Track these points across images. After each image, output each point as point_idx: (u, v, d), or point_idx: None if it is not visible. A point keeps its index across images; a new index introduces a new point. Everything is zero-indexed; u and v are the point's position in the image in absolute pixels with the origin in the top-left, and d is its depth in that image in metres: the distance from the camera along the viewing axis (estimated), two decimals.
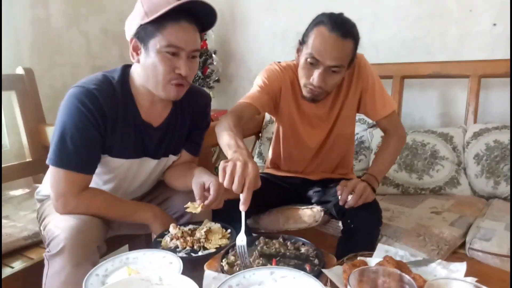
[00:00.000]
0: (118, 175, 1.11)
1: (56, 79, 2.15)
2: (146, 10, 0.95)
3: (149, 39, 0.96)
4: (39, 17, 2.06)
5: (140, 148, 1.10)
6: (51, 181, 1.01)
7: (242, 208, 0.82)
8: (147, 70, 0.99)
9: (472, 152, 1.66)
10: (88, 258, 0.94)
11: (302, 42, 1.21)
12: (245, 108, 1.22)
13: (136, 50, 1.01)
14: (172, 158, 1.19)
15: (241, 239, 0.83)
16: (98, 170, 1.06)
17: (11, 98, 1.71)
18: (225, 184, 0.84)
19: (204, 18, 1.00)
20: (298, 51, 1.24)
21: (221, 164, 0.86)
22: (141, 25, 0.96)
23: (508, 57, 1.75)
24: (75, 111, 0.97)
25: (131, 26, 1.00)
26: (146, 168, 1.15)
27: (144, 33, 0.97)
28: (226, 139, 1.00)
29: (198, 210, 0.98)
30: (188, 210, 0.99)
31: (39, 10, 2.05)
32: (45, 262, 0.96)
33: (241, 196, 0.82)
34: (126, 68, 1.08)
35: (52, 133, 1.01)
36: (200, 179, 1.02)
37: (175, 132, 1.15)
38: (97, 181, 1.11)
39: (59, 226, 0.96)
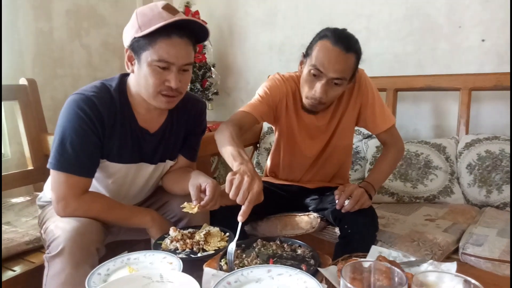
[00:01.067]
0: (117, 180, 1.14)
1: (57, 90, 2.20)
2: (140, 24, 0.98)
3: (142, 52, 0.99)
4: (42, 30, 2.11)
5: (137, 153, 1.13)
6: (52, 184, 1.04)
7: (240, 219, 0.86)
8: (139, 80, 1.03)
9: (464, 162, 1.71)
10: (87, 259, 0.95)
11: (306, 54, 1.25)
12: (244, 117, 1.26)
13: (130, 60, 1.04)
14: (169, 163, 1.22)
15: (232, 247, 0.87)
16: (97, 175, 1.09)
17: (13, 108, 1.74)
18: (231, 196, 0.87)
19: (197, 32, 1.03)
20: (301, 63, 1.28)
21: (229, 175, 0.90)
22: (134, 37, 0.99)
23: (496, 71, 1.82)
24: (74, 116, 1.01)
25: (126, 37, 1.03)
26: (144, 173, 1.18)
27: (137, 46, 1.00)
28: (229, 149, 1.04)
29: (195, 210, 1.00)
30: (184, 210, 1.02)
31: (42, 24, 2.11)
32: (45, 264, 0.97)
33: (242, 208, 0.86)
34: (124, 76, 1.12)
35: (52, 140, 1.04)
36: (196, 180, 1.05)
37: (171, 138, 1.19)
38: (97, 186, 1.14)
39: (60, 228, 0.98)
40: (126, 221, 1.10)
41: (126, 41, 1.03)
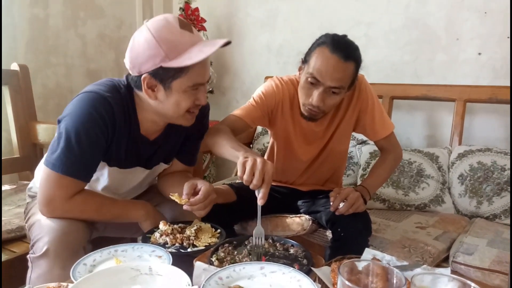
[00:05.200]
0: (110, 183, 1.09)
1: (49, 79, 2.15)
2: (167, 52, 0.90)
3: (172, 80, 0.93)
4: (38, 16, 2.07)
5: (134, 158, 1.08)
6: (42, 182, 0.96)
7: (261, 202, 0.86)
8: (167, 106, 0.98)
9: (456, 172, 1.71)
10: (73, 259, 0.88)
11: (304, 61, 1.21)
12: (236, 122, 1.24)
13: (152, 87, 0.96)
14: (163, 166, 1.18)
15: (259, 232, 0.87)
16: (95, 179, 1.05)
17: (3, 93, 1.69)
18: (245, 178, 0.86)
19: None
20: (300, 69, 1.24)
21: (240, 159, 0.88)
22: (161, 66, 0.91)
23: (491, 84, 1.84)
24: (87, 117, 0.93)
25: (143, 64, 0.93)
26: (138, 177, 1.13)
27: (164, 74, 0.93)
28: (228, 144, 1.03)
29: (182, 202, 0.97)
30: (171, 197, 0.98)
31: (38, 10, 2.07)
32: (29, 264, 0.93)
33: (259, 192, 0.86)
34: (129, 80, 1.03)
35: (55, 133, 0.97)
36: (194, 181, 1.01)
37: (169, 144, 1.14)
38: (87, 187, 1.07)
39: (44, 227, 0.93)
40: (119, 218, 1.05)
41: (144, 67, 0.93)
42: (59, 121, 0.98)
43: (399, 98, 2.01)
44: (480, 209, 1.61)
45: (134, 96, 1.03)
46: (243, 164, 0.87)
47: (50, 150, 0.96)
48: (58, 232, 0.91)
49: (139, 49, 0.93)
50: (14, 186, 1.63)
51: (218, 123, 1.25)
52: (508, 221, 1.54)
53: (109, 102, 0.95)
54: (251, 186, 0.86)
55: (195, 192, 0.99)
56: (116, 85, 1.01)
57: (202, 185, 0.99)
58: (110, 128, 0.97)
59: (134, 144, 1.06)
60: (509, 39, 1.82)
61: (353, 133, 1.92)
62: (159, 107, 1.00)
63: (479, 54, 1.91)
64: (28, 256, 0.94)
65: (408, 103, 2.09)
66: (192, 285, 0.69)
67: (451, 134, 1.87)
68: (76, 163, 0.95)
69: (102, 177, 1.07)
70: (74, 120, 0.94)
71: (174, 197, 0.98)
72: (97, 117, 0.94)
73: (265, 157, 1.53)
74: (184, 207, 0.97)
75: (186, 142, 1.18)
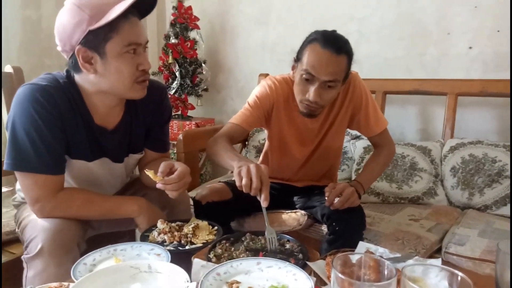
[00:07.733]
0: (85, 177, 1.08)
1: None
2: (91, 14, 0.89)
3: (104, 44, 0.90)
4: (30, 18, 2.07)
5: (98, 150, 1.06)
6: (22, 187, 0.97)
7: (265, 204, 0.91)
8: (110, 77, 0.94)
9: (448, 165, 1.74)
10: (68, 256, 0.92)
11: (297, 59, 1.23)
12: (235, 131, 1.30)
13: (88, 60, 0.92)
14: (134, 156, 1.17)
15: (270, 232, 0.91)
16: (66, 175, 1.03)
17: None
18: (244, 185, 0.91)
19: (142, 6, 0.96)
20: (293, 68, 1.27)
21: (235, 170, 0.94)
22: (89, 31, 0.89)
23: (482, 77, 1.87)
24: (29, 112, 0.91)
25: (72, 35, 0.91)
26: (113, 171, 1.13)
27: (94, 39, 0.90)
28: (226, 155, 1.10)
29: (156, 179, 0.97)
30: (147, 172, 0.99)
31: (30, 12, 2.07)
32: (24, 265, 0.94)
33: (262, 193, 0.91)
34: (70, 72, 1.00)
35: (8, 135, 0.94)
36: (171, 162, 1.02)
37: (132, 132, 1.12)
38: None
39: (37, 227, 0.94)
40: (112, 213, 1.05)
41: (73, 39, 0.91)
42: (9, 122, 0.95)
43: (392, 93, 2.03)
44: (472, 200, 1.64)
45: (76, 84, 1.00)
46: (238, 173, 0.92)
47: (8, 150, 0.94)
48: (51, 231, 0.92)
49: (64, 22, 0.92)
50: (11, 188, 1.63)
51: (217, 133, 1.28)
52: (499, 211, 1.57)
53: (48, 91, 0.93)
54: (252, 192, 0.91)
55: (170, 172, 1.00)
56: (55, 77, 0.99)
57: (179, 166, 1.01)
58: (57, 116, 0.95)
59: (93, 136, 1.04)
60: (499, 32, 1.84)
61: (347, 129, 1.95)
62: (102, 83, 0.96)
63: (470, 48, 1.94)
64: (22, 257, 0.95)
65: (401, 98, 2.11)
66: (191, 282, 0.70)
67: (443, 128, 1.89)
68: (30, 158, 0.92)
69: (75, 172, 1.06)
70: (17, 117, 0.92)
71: (149, 173, 0.98)
72: (39, 108, 0.91)
73: (261, 155, 1.55)
74: (158, 185, 0.98)
75: (152, 129, 1.17)
